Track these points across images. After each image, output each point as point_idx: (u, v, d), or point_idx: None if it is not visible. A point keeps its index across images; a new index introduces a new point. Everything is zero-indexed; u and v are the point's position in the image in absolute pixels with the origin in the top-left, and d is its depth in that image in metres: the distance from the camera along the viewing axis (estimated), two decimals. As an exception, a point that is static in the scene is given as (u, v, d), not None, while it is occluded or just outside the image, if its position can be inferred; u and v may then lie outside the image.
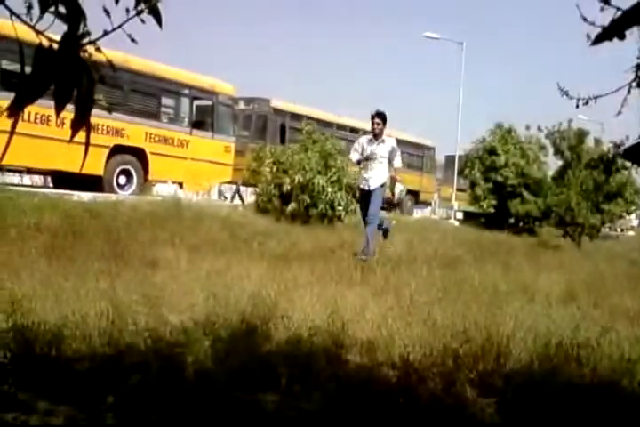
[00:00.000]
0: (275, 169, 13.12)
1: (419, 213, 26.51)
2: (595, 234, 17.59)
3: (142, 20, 1.61)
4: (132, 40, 1.63)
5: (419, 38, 29.78)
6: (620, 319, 4.91)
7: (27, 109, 1.66)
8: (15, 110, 1.59)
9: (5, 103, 1.54)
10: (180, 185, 14.97)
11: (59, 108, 1.58)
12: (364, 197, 8.50)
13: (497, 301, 5.10)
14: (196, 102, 15.37)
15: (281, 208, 12.69)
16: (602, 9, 1.54)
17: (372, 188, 8.35)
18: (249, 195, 16.85)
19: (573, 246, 15.58)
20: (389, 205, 9.16)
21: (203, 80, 15.23)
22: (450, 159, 28.77)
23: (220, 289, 4.41)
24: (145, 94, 13.83)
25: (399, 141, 25.31)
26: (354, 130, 19.59)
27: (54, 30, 1.59)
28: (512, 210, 20.59)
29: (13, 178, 16.95)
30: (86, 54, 1.58)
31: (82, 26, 1.57)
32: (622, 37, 1.48)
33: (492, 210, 21.38)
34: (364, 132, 21.69)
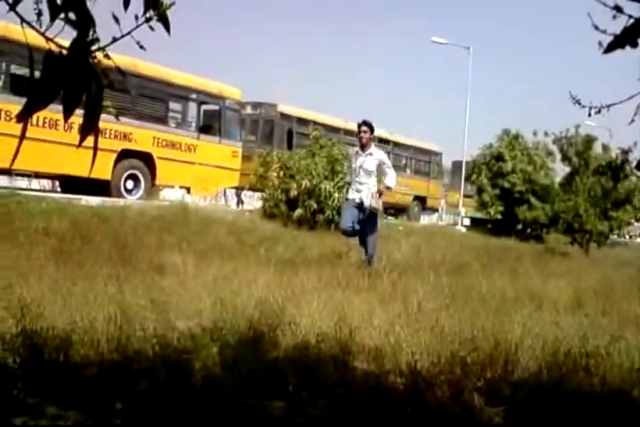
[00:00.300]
0: (282, 174, 13.13)
1: (425, 220, 26.47)
2: (603, 241, 17.51)
3: (151, 28, 1.61)
4: (141, 47, 1.64)
5: (426, 42, 29.76)
6: (629, 327, 4.87)
7: (35, 114, 1.66)
8: (25, 116, 1.59)
9: (16, 107, 1.55)
10: (188, 190, 15.00)
11: (67, 114, 1.59)
12: (353, 206, 7.98)
13: (505, 308, 5.08)
14: (204, 107, 15.40)
15: (288, 214, 12.69)
16: (614, 17, 1.53)
17: (365, 204, 7.91)
18: (256, 200, 16.95)
19: (581, 253, 15.52)
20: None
21: (210, 85, 15.27)
22: (457, 165, 28.69)
23: (227, 295, 4.40)
24: (153, 99, 13.87)
25: (406, 147, 25.23)
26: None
27: (63, 36, 1.59)
28: (519, 216, 20.52)
29: (22, 182, 17.04)
30: (95, 60, 1.59)
31: (91, 32, 1.58)
32: (635, 45, 1.48)
33: (499, 216, 21.31)
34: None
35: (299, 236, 10.30)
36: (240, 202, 18.06)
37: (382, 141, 22.57)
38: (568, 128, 19.35)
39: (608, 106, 2.23)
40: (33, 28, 1.54)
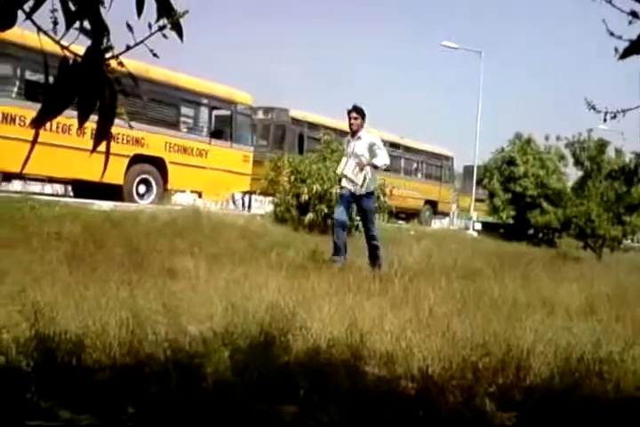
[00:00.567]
0: (293, 179, 13.16)
1: (437, 224, 26.42)
2: (616, 246, 17.39)
3: (164, 36, 1.63)
4: (155, 55, 1.65)
5: (437, 46, 29.76)
6: (642, 333, 4.83)
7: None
8: (39, 123, 1.61)
9: (30, 113, 1.57)
10: (199, 194, 15.07)
11: (81, 121, 1.60)
12: (348, 198, 7.87)
13: (516, 313, 5.05)
14: (215, 112, 15.48)
15: (299, 218, 12.71)
16: (630, 22, 1.53)
17: (358, 192, 7.72)
18: (267, 204, 17.10)
19: (594, 258, 15.42)
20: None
21: (221, 90, 15.35)
22: (468, 169, 28.65)
23: (238, 299, 4.41)
24: (165, 104, 13.96)
25: (417, 151, 25.20)
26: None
27: (78, 42, 1.61)
28: (531, 221, 20.42)
29: (35, 187, 17.18)
30: (109, 68, 1.61)
31: (105, 40, 1.60)
32: None
33: (510, 221, 21.24)
34: (383, 142, 21.88)
35: (310, 240, 10.30)
36: (242, 205, 18.56)
37: (393, 146, 22.59)
38: (580, 132, 19.28)
39: (623, 111, 2.22)
40: (48, 36, 1.56)
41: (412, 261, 8.71)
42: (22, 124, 10.41)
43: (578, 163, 19.43)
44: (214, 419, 2.66)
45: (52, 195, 15.32)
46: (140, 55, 1.71)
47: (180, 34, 1.65)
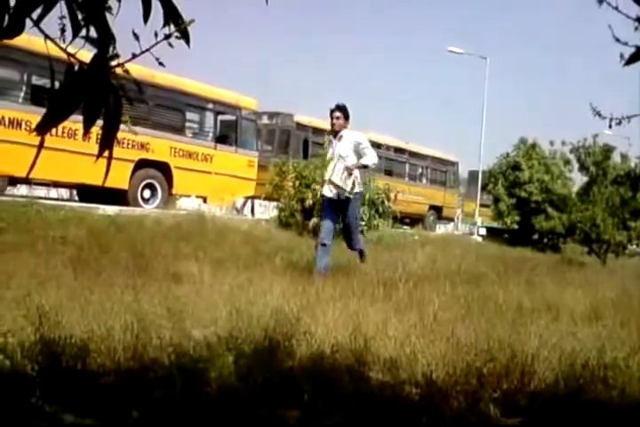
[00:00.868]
0: (297, 184, 13.17)
1: (441, 229, 26.37)
2: (621, 251, 17.33)
3: (170, 44, 1.64)
4: (160, 64, 1.66)
5: (442, 52, 29.78)
6: (647, 339, 4.81)
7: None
8: (44, 128, 1.62)
9: (36, 118, 1.58)
10: (204, 199, 15.09)
11: (87, 128, 1.62)
12: (330, 206, 7.29)
13: (521, 318, 5.04)
14: (220, 117, 15.52)
15: (303, 223, 12.72)
16: (636, 28, 1.53)
17: (341, 197, 7.10)
18: (271, 209, 17.11)
19: (598, 264, 15.37)
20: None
21: (226, 95, 15.39)
22: (473, 174, 28.64)
23: (242, 304, 4.42)
24: (170, 109, 14.00)
25: (422, 157, 25.22)
26: (378, 145, 19.60)
27: (85, 47, 1.62)
28: (536, 226, 20.38)
29: (40, 191, 17.23)
30: (114, 75, 1.62)
31: (111, 49, 1.61)
32: None
33: (515, 226, 21.19)
34: (388, 148, 21.94)
35: (314, 245, 10.30)
36: (242, 210, 18.49)
37: (398, 151, 22.60)
38: (586, 137, 19.25)
39: (629, 117, 2.22)
40: (55, 43, 1.57)
41: (417, 267, 8.70)
42: (28, 128, 10.46)
43: (583, 168, 19.39)
44: (218, 424, 2.66)
45: (57, 199, 15.36)
46: (146, 62, 1.72)
47: (187, 41, 1.66)
